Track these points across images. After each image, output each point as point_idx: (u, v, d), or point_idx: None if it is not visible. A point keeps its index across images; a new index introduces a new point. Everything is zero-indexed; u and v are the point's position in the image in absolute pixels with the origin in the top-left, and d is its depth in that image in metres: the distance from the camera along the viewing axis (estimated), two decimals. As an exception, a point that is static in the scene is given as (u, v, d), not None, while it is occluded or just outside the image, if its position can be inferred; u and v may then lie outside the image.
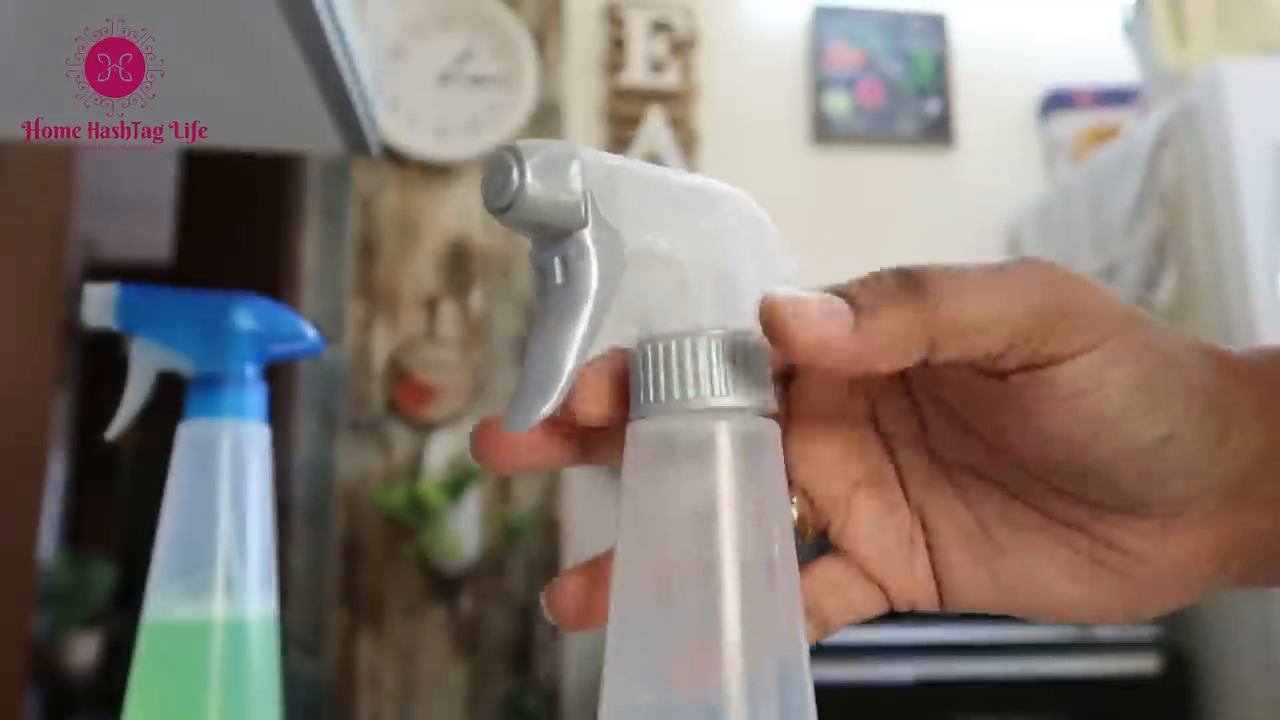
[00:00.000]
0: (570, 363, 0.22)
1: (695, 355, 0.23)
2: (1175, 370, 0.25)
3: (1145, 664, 1.47)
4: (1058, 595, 0.28)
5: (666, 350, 0.23)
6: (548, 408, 0.22)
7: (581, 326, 0.22)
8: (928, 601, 0.30)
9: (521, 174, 0.22)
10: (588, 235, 0.22)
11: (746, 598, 0.22)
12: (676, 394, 0.23)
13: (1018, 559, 0.28)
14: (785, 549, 0.24)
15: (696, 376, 0.23)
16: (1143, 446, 0.24)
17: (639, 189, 0.24)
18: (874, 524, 0.30)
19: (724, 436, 0.23)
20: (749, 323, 0.24)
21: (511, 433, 0.23)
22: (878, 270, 0.24)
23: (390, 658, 1.77)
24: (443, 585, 1.80)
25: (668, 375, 0.23)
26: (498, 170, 0.22)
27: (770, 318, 0.23)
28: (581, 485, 1.87)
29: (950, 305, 0.23)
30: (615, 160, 0.24)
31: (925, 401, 0.29)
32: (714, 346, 0.23)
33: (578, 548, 1.84)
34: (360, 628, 1.77)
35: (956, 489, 0.29)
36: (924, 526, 0.30)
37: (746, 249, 0.25)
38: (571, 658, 1.81)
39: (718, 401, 0.23)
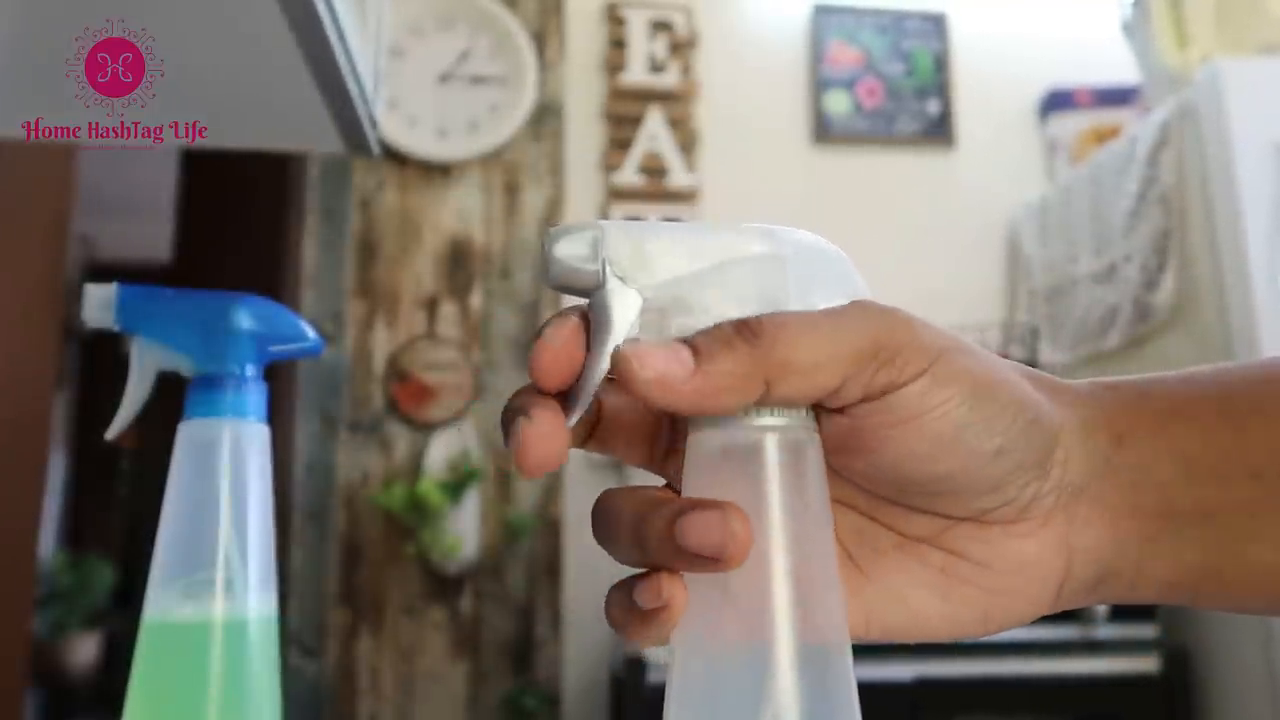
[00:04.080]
0: (592, 384, 0.27)
1: None
2: (998, 389, 0.28)
3: (1145, 664, 1.47)
4: (916, 611, 0.30)
5: None
6: (575, 416, 0.28)
7: (602, 359, 0.27)
8: None
9: (551, 253, 0.28)
10: (605, 294, 0.28)
11: (798, 588, 0.26)
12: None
13: (880, 581, 0.30)
14: (829, 545, 0.27)
15: None
16: (979, 458, 0.27)
17: (668, 244, 0.28)
18: None
19: (774, 444, 0.26)
20: None
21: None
22: (716, 326, 0.27)
23: (390, 658, 1.77)
24: (443, 585, 1.80)
25: None
26: (542, 250, 0.28)
27: (618, 362, 0.26)
28: (581, 485, 1.87)
29: (782, 348, 0.26)
30: (644, 227, 0.28)
31: None
32: None
33: (578, 548, 1.84)
34: (360, 628, 1.77)
35: None
36: None
37: (774, 279, 0.28)
38: (571, 658, 1.81)
39: (767, 419, 0.27)
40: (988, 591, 0.30)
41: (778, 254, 0.28)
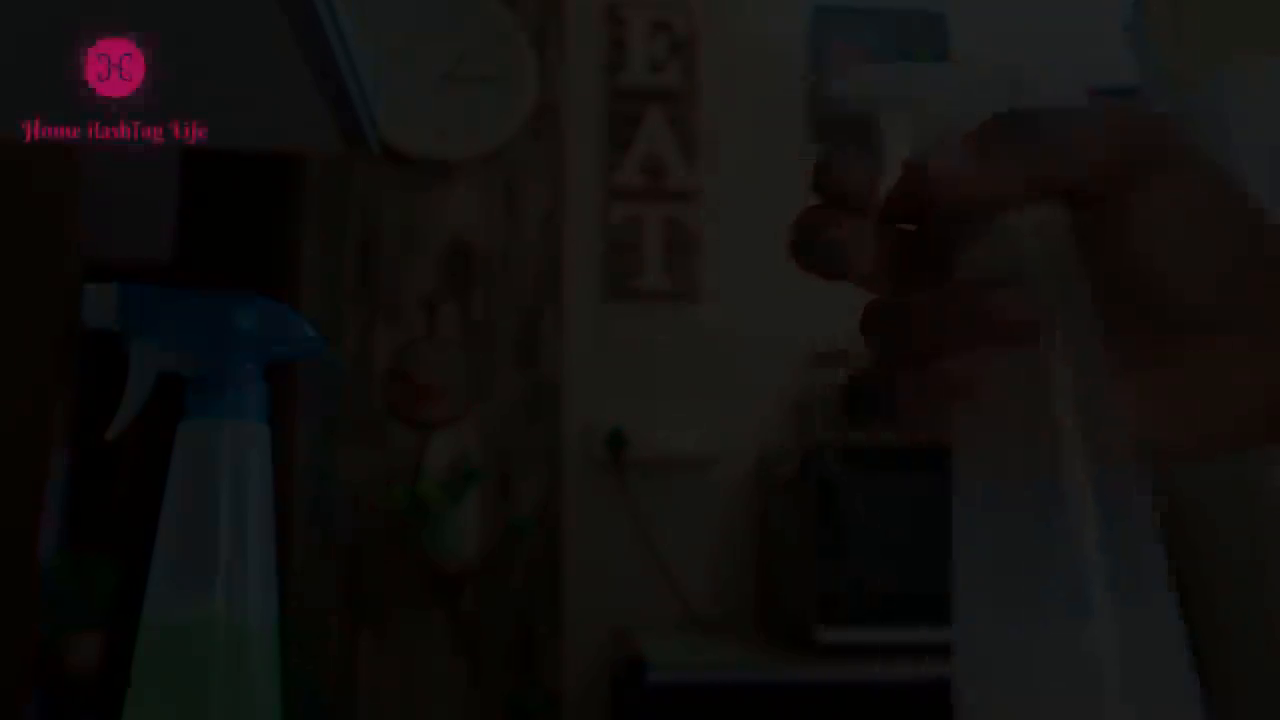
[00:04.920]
0: (878, 199, 0.30)
1: None
2: (1240, 204, 0.29)
3: (1145, 664, 1.47)
4: (1134, 433, 0.30)
5: None
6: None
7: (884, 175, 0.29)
8: None
9: (830, 87, 0.31)
10: (880, 119, 0.32)
11: (1086, 386, 0.28)
12: None
13: None
14: (1100, 348, 0.28)
15: None
16: (1218, 265, 0.28)
17: (931, 78, 0.31)
18: None
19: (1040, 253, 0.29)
20: None
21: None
22: (991, 119, 0.28)
23: (390, 658, 1.77)
24: (443, 585, 1.80)
25: None
26: (812, 89, 0.32)
27: (907, 169, 0.28)
28: (581, 485, 1.87)
29: (1050, 132, 0.27)
30: (908, 66, 0.33)
31: None
32: None
33: (578, 548, 1.83)
34: (360, 628, 1.77)
35: None
36: None
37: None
38: (571, 658, 1.81)
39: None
40: (1205, 412, 0.31)
41: (1035, 82, 0.30)
